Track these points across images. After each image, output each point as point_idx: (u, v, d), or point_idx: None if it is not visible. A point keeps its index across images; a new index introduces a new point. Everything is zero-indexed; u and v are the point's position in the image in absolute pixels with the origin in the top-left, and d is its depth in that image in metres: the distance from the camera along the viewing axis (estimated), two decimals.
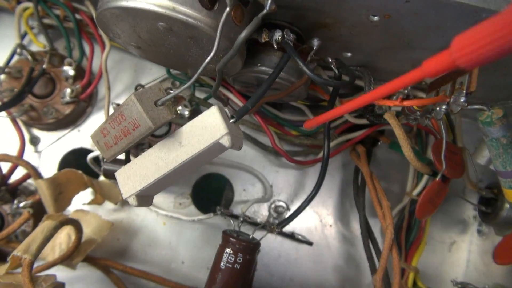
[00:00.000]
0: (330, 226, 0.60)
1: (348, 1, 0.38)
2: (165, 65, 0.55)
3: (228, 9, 0.33)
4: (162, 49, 0.42)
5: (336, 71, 0.46)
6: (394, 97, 0.50)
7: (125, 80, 0.61)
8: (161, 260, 0.58)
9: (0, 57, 0.59)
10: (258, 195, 0.60)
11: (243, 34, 0.34)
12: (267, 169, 0.61)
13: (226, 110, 0.38)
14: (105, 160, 0.53)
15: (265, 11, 0.35)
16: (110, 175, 0.53)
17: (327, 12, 0.41)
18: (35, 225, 0.53)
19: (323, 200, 0.61)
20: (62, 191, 0.51)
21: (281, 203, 0.58)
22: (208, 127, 0.37)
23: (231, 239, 0.46)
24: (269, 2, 0.34)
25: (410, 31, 0.41)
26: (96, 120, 0.60)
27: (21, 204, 0.51)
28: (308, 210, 0.61)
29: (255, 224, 0.53)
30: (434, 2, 0.34)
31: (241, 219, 0.52)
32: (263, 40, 0.40)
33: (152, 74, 0.62)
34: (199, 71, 0.35)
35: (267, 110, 0.58)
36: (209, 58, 0.34)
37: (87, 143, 0.60)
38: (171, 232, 0.58)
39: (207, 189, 0.60)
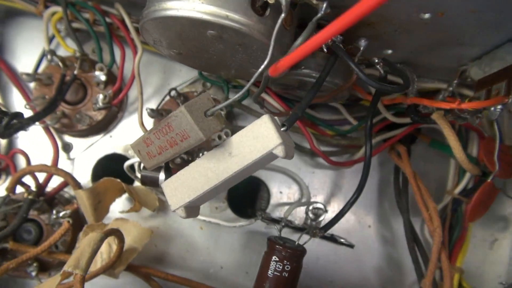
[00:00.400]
0: (369, 227, 0.59)
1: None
2: (201, 69, 0.54)
3: (283, 15, 0.31)
4: (204, 55, 0.41)
5: (382, 72, 0.44)
6: (441, 96, 0.49)
7: (154, 83, 0.60)
8: (200, 266, 0.57)
9: (26, 62, 0.59)
10: (294, 197, 0.59)
11: (299, 41, 0.33)
12: (302, 170, 0.59)
13: (276, 118, 0.37)
14: (145, 168, 0.52)
15: (319, 15, 0.33)
16: (148, 182, 0.52)
17: (376, 12, 0.39)
18: (73, 234, 0.53)
19: (360, 201, 0.59)
20: (101, 199, 0.50)
21: (319, 205, 0.57)
22: (260, 137, 0.36)
23: (277, 246, 0.45)
24: (324, 6, 0.33)
25: (462, 28, 0.39)
26: (127, 125, 0.59)
27: (61, 214, 0.50)
28: (340, 206, 0.60)
29: (296, 229, 0.52)
30: None
31: (283, 224, 0.51)
32: None
33: (182, 76, 0.60)
34: (252, 80, 0.33)
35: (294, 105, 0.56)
36: (263, 66, 0.32)
37: (120, 149, 0.59)
38: (208, 237, 0.58)
39: (243, 192, 0.59)
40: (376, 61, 0.44)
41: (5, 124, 0.40)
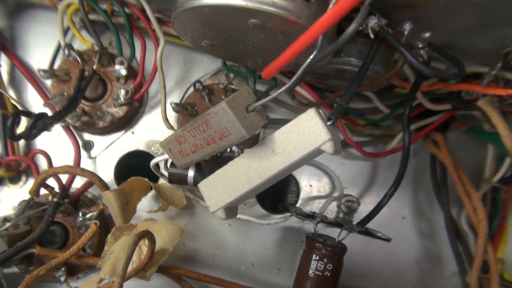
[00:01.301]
0: (403, 218, 0.57)
1: None
2: (228, 59, 0.51)
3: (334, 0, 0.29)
4: (238, 45, 0.38)
5: (426, 57, 0.41)
6: (485, 81, 0.46)
7: (175, 76, 0.57)
8: (230, 264, 0.55)
9: (39, 56, 0.56)
10: (325, 191, 0.57)
11: (352, 27, 0.30)
12: (332, 162, 0.57)
13: (321, 111, 0.35)
14: (173, 166, 0.50)
15: None
16: (176, 180, 0.49)
17: None
18: (100, 236, 0.51)
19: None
20: (128, 200, 0.48)
21: (352, 198, 0.54)
22: (306, 133, 0.33)
23: (317, 244, 0.43)
24: None
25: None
26: (149, 120, 0.57)
27: (87, 216, 0.48)
28: (374, 198, 0.58)
29: (332, 224, 0.50)
30: None
31: (318, 219, 0.49)
32: None
33: (204, 67, 0.58)
34: (301, 71, 0.31)
35: (327, 96, 0.54)
36: (313, 56, 0.30)
37: (142, 145, 0.56)
38: (237, 233, 0.56)
39: (271, 186, 0.57)
40: (421, 45, 0.41)
41: (30, 125, 0.37)
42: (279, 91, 0.32)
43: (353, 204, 0.54)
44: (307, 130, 0.33)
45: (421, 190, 0.57)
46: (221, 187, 0.37)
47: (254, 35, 0.34)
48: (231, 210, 0.38)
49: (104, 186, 0.47)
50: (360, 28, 0.36)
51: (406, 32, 0.38)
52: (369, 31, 0.35)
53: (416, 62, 0.32)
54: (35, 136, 0.40)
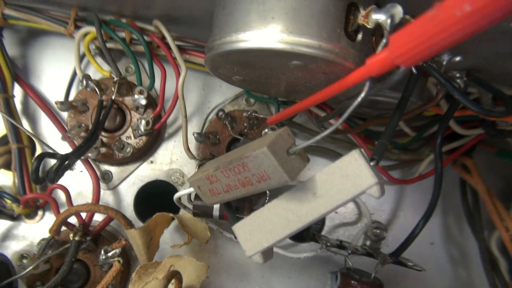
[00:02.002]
0: (432, 244, 0.55)
1: None
2: (255, 91, 0.50)
3: (384, 40, 0.27)
4: (271, 81, 0.37)
5: (462, 86, 0.40)
6: None
7: (194, 102, 0.56)
8: None
9: (53, 85, 0.54)
10: (351, 218, 0.55)
11: (403, 69, 0.28)
12: None
13: (363, 150, 0.33)
14: (197, 198, 0.48)
15: None
16: (201, 214, 0.48)
17: None
18: (123, 273, 0.49)
19: (418, 215, 0.56)
20: (152, 236, 0.47)
21: (380, 225, 0.53)
22: (350, 175, 0.32)
23: (353, 282, 0.42)
24: None
25: None
26: (168, 148, 0.55)
27: (109, 254, 0.46)
28: (401, 224, 0.56)
29: (367, 255, 0.48)
30: None
31: (349, 251, 0.47)
32: None
33: (223, 91, 0.56)
34: (347, 113, 0.29)
35: (355, 122, 0.52)
36: (363, 96, 0.28)
37: (162, 175, 0.54)
38: (262, 264, 0.54)
39: None
40: (458, 75, 0.40)
41: (56, 168, 0.36)
42: (324, 133, 0.31)
43: (382, 232, 0.52)
44: (351, 173, 0.32)
45: (450, 214, 0.56)
46: (258, 231, 0.36)
47: (292, 74, 0.33)
48: (267, 253, 0.37)
49: (129, 224, 0.45)
50: None
51: (444, 63, 0.37)
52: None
53: (468, 103, 0.31)
54: (60, 177, 0.38)
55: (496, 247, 0.52)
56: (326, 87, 0.31)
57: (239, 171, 0.34)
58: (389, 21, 0.26)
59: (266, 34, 0.28)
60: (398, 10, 0.26)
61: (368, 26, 0.27)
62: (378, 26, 0.27)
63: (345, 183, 0.32)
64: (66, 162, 0.38)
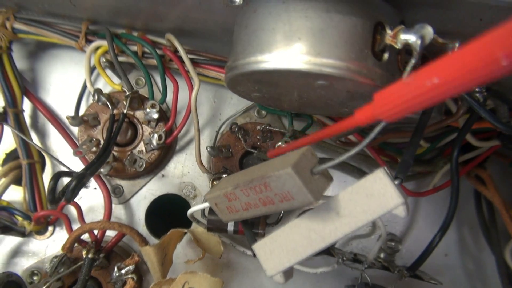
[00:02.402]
0: (446, 255, 0.55)
1: None
2: (274, 106, 0.50)
3: (413, 61, 0.27)
4: (291, 97, 0.36)
5: (481, 100, 0.40)
6: None
7: (205, 114, 0.55)
8: None
9: (62, 98, 0.53)
10: (364, 230, 0.55)
11: None
12: None
13: (387, 169, 0.33)
14: (211, 213, 0.48)
15: None
16: (215, 229, 0.47)
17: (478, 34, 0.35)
18: None
19: (432, 226, 0.56)
20: (166, 252, 0.46)
21: (395, 238, 0.52)
22: (375, 195, 0.31)
23: None
24: (457, 45, 0.28)
25: None
26: (179, 161, 0.54)
27: (123, 271, 0.45)
28: (415, 236, 0.56)
29: (382, 269, 0.48)
30: None
31: (366, 265, 0.47)
32: None
33: (234, 103, 0.55)
34: (373, 135, 0.29)
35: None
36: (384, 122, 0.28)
37: (174, 188, 0.54)
38: (283, 284, 0.53)
39: None
40: (478, 89, 0.39)
41: (73, 187, 0.35)
42: (348, 154, 0.30)
43: (397, 245, 0.52)
44: (376, 192, 0.31)
45: (464, 225, 0.55)
46: (279, 250, 0.35)
47: (315, 92, 0.32)
48: (288, 272, 0.36)
49: (144, 241, 0.44)
50: None
51: None
52: None
53: (496, 122, 0.30)
54: (75, 196, 0.37)
55: (511, 259, 0.51)
56: (323, 130, 0.31)
57: (261, 190, 0.33)
58: (419, 42, 0.26)
59: (292, 55, 0.27)
60: (428, 31, 0.26)
61: (397, 47, 0.27)
62: (405, 45, 0.27)
63: (370, 203, 0.31)
64: (82, 181, 0.37)
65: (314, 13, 0.27)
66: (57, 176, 0.36)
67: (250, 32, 0.30)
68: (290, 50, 0.27)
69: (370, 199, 0.31)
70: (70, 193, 0.35)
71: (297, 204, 0.32)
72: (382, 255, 0.53)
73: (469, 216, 0.55)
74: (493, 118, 0.31)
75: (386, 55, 0.29)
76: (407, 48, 0.27)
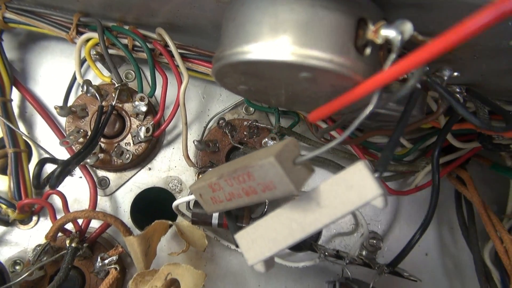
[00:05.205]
0: (426, 255, 0.56)
1: (496, 27, 0.33)
2: (258, 100, 0.50)
3: (394, 56, 0.28)
4: (277, 91, 0.37)
5: (462, 101, 0.41)
6: None
7: (194, 109, 0.56)
8: None
9: (51, 89, 0.54)
10: (347, 227, 0.56)
11: (411, 83, 0.29)
12: None
13: (367, 162, 0.33)
14: (196, 207, 0.48)
15: None
16: (200, 222, 0.48)
17: None
18: (118, 281, 0.48)
19: (413, 225, 0.57)
20: (150, 243, 0.46)
21: (377, 236, 0.53)
22: (355, 186, 0.32)
23: None
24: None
25: None
26: (166, 155, 0.55)
27: (106, 261, 0.46)
28: (397, 235, 0.57)
29: (364, 265, 0.48)
30: None
31: (347, 261, 0.47)
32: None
33: (222, 100, 0.56)
34: (356, 124, 0.30)
35: (355, 134, 0.53)
36: (369, 111, 0.29)
37: (160, 182, 0.54)
38: (259, 273, 0.54)
39: None
40: (458, 90, 0.41)
41: (57, 174, 0.35)
42: (329, 145, 0.31)
43: (378, 242, 0.52)
44: (356, 184, 0.32)
45: (444, 224, 0.56)
46: (261, 240, 0.36)
47: (299, 85, 0.33)
48: (269, 262, 0.37)
49: (128, 231, 0.45)
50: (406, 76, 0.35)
51: (445, 78, 0.38)
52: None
53: (475, 120, 0.32)
54: (60, 183, 0.38)
55: (489, 258, 0.53)
56: (345, 94, 0.31)
57: (244, 180, 0.34)
58: (399, 37, 0.27)
59: (277, 46, 0.28)
60: (408, 27, 0.27)
61: (378, 42, 0.28)
62: (386, 41, 0.28)
63: (349, 194, 0.32)
64: (67, 168, 0.38)
65: (299, 7, 0.28)
66: (42, 162, 0.37)
67: (238, 24, 0.31)
68: (275, 42, 0.28)
69: (350, 190, 0.32)
70: (55, 180, 0.35)
71: (279, 193, 0.32)
72: (364, 253, 0.54)
73: (449, 216, 0.56)
74: (469, 114, 0.32)
75: (368, 50, 0.30)
76: (388, 45, 0.28)
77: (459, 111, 0.32)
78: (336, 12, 0.29)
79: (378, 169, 0.33)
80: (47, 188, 0.44)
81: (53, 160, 0.38)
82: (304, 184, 0.32)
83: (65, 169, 0.36)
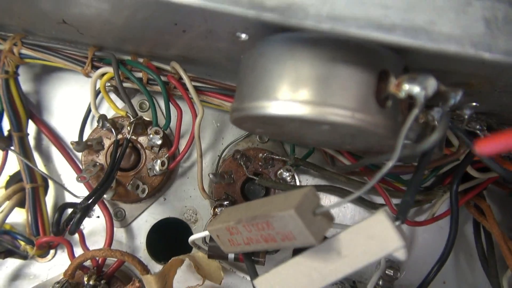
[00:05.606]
0: (444, 283, 0.55)
1: None
2: (279, 139, 0.50)
3: (417, 111, 0.27)
4: (296, 136, 0.37)
5: (482, 136, 0.40)
6: None
7: (207, 138, 0.56)
8: None
9: (66, 121, 0.54)
10: None
11: (435, 136, 0.28)
12: None
13: (387, 209, 0.33)
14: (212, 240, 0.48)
15: (451, 103, 0.29)
16: (216, 256, 0.48)
17: (481, 75, 0.35)
18: None
19: (430, 253, 0.56)
20: (166, 280, 0.46)
21: (394, 265, 0.53)
22: (376, 237, 0.32)
23: None
24: (459, 94, 0.29)
25: None
26: (181, 185, 0.55)
27: None
28: (414, 264, 0.56)
29: None
30: None
31: None
32: (421, 121, 0.35)
33: (236, 128, 0.56)
34: (377, 178, 0.29)
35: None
36: (391, 163, 0.28)
37: (175, 212, 0.54)
38: None
39: None
40: (479, 127, 0.40)
41: (77, 220, 0.35)
42: (349, 198, 0.30)
43: (396, 273, 0.52)
44: (377, 234, 0.32)
45: (461, 252, 0.56)
46: (279, 287, 0.36)
47: (319, 133, 0.33)
48: None
49: (145, 269, 0.45)
50: (425, 120, 0.35)
51: (466, 117, 0.37)
52: (436, 123, 0.34)
53: (496, 168, 0.31)
54: (78, 228, 0.38)
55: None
56: None
57: (263, 228, 0.34)
58: (423, 93, 0.26)
59: (297, 102, 0.28)
60: (431, 83, 0.26)
61: (400, 96, 0.27)
62: (408, 95, 0.28)
63: (370, 245, 0.32)
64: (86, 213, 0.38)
65: (319, 61, 0.28)
66: (61, 209, 0.37)
67: (257, 75, 0.30)
68: (295, 97, 0.28)
69: (371, 241, 0.32)
70: (75, 226, 0.35)
71: (299, 244, 0.32)
72: (380, 283, 0.53)
73: (467, 243, 0.55)
74: (493, 163, 0.31)
75: (389, 103, 0.29)
76: (410, 100, 0.27)
77: (484, 160, 0.31)
78: (357, 66, 0.28)
79: (399, 217, 0.32)
80: None
81: (72, 205, 0.38)
82: (324, 235, 0.32)
83: (85, 214, 0.36)
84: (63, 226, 0.37)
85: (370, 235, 0.32)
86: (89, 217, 0.49)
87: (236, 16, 0.25)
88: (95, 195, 0.42)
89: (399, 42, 0.24)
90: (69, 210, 0.40)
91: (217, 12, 0.26)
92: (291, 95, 0.28)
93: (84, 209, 0.36)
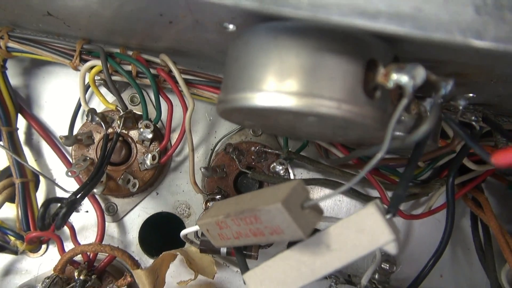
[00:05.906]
0: (441, 276, 0.55)
1: None
2: (269, 132, 0.50)
3: (406, 101, 0.26)
4: (284, 128, 0.36)
5: (478, 128, 0.39)
6: None
7: (200, 132, 0.55)
8: None
9: (56, 115, 0.53)
10: None
11: (426, 127, 0.27)
12: None
13: (379, 201, 0.32)
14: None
15: (442, 93, 0.28)
16: (208, 250, 0.47)
17: (475, 65, 0.34)
18: None
19: (426, 246, 0.56)
20: (158, 274, 0.46)
21: (390, 259, 0.52)
22: (366, 230, 0.31)
23: None
24: (451, 84, 0.28)
25: None
26: (173, 179, 0.54)
27: None
28: (410, 257, 0.56)
29: None
30: None
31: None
32: (413, 112, 0.34)
33: (229, 122, 0.55)
34: (370, 166, 0.28)
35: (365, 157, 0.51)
36: (380, 155, 0.27)
37: (168, 207, 0.54)
38: None
39: None
40: (474, 118, 0.39)
41: (63, 215, 0.35)
42: (339, 190, 0.30)
43: (392, 266, 0.51)
44: (367, 228, 0.31)
45: (458, 245, 0.55)
46: (269, 281, 0.35)
47: (307, 124, 0.32)
48: None
49: (136, 264, 0.44)
50: (417, 111, 0.34)
51: (461, 108, 0.36)
52: (428, 114, 0.33)
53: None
54: (65, 222, 0.37)
55: (506, 281, 0.51)
56: None
57: (251, 221, 0.33)
58: (411, 83, 0.25)
59: (282, 93, 0.27)
60: (420, 72, 0.25)
61: (388, 86, 0.27)
62: (397, 85, 0.27)
63: (361, 238, 0.31)
64: (73, 207, 0.37)
65: (305, 50, 0.27)
66: (47, 204, 0.36)
67: (241, 65, 0.29)
68: (281, 88, 0.27)
69: (361, 235, 0.31)
70: (61, 221, 0.35)
71: (287, 238, 0.31)
72: (376, 276, 0.53)
73: (464, 236, 0.55)
74: (486, 154, 0.30)
75: (378, 93, 0.28)
76: (399, 89, 0.26)
77: (476, 150, 0.31)
78: (343, 56, 0.27)
79: (391, 210, 0.32)
80: None
81: (58, 199, 0.37)
82: (313, 229, 0.31)
83: (71, 209, 0.36)
84: (49, 221, 0.36)
85: (360, 228, 0.31)
86: (77, 211, 0.48)
87: (215, 4, 0.25)
88: (84, 190, 0.42)
89: (384, 29, 0.23)
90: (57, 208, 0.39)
91: (197, 1, 0.25)
92: (276, 86, 0.27)
93: (70, 204, 0.36)
